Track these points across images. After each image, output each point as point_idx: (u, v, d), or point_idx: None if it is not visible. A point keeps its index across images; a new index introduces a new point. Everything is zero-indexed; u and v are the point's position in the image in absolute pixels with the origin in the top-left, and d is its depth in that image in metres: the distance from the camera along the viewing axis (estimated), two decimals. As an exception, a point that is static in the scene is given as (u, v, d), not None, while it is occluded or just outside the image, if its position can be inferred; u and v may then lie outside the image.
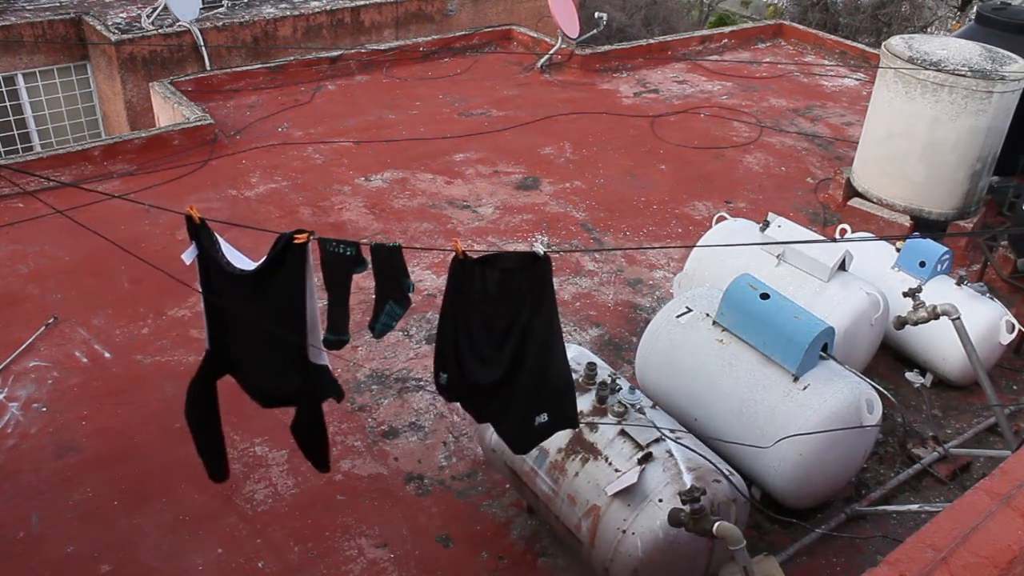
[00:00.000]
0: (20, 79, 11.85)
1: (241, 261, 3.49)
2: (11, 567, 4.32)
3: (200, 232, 3.35)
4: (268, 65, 10.41)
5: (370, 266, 3.34)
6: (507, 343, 3.54)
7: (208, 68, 11.39)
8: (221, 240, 3.43)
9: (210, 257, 3.39)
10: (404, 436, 5.23)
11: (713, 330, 4.77)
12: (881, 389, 4.59)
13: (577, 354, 4.54)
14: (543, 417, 3.68)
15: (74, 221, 4.11)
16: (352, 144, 8.95)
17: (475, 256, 3.41)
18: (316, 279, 3.33)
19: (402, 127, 9.41)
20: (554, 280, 7.09)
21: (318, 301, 3.39)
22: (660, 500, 3.79)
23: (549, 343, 3.57)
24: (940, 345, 5.59)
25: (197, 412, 3.73)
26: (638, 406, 4.15)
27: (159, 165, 8.19)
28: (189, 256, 3.38)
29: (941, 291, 5.60)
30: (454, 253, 3.40)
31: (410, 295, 3.45)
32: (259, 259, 3.38)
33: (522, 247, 7.27)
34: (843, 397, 4.38)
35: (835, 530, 4.66)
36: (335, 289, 3.38)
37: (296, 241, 3.21)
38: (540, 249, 3.37)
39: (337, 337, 3.46)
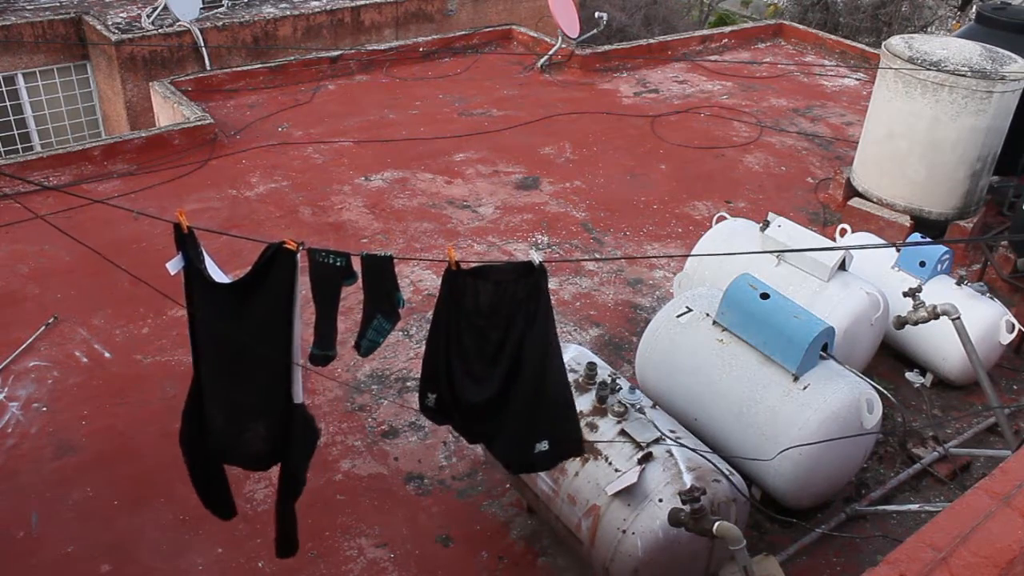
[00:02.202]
0: (20, 79, 11.85)
1: (222, 278, 3.35)
2: (11, 567, 4.32)
3: (187, 242, 3.21)
4: (268, 65, 10.41)
5: (359, 277, 3.21)
6: (501, 358, 3.43)
7: (208, 68, 11.39)
8: (205, 253, 3.30)
9: (195, 269, 3.25)
10: (404, 436, 5.23)
11: (713, 330, 4.77)
12: (881, 389, 4.59)
13: (577, 354, 4.54)
14: (543, 445, 3.55)
15: (51, 224, 4.04)
16: (352, 144, 8.95)
17: (471, 264, 3.33)
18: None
19: (402, 127, 9.41)
20: (554, 280, 7.10)
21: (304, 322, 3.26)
22: (660, 500, 3.79)
23: (545, 360, 3.45)
24: (940, 345, 5.59)
25: (193, 445, 3.57)
26: (638, 406, 4.15)
27: (159, 165, 8.19)
28: (175, 266, 3.23)
29: (941, 291, 5.60)
30: (447, 264, 3.29)
31: (400, 310, 3.31)
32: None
33: (522, 247, 7.27)
34: (843, 397, 4.38)
35: (835, 530, 4.66)
36: (324, 302, 3.25)
37: (286, 246, 3.10)
38: (536, 258, 3.28)
39: (323, 352, 3.31)
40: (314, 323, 3.28)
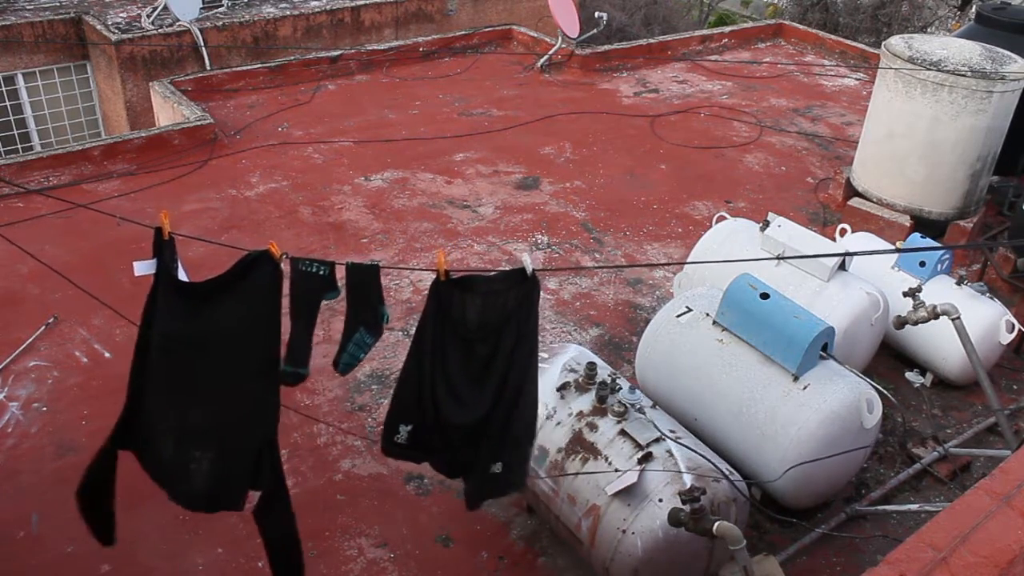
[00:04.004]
0: (20, 79, 11.85)
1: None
2: (11, 567, 4.32)
3: (165, 247, 3.02)
4: (268, 65, 10.40)
5: (342, 292, 3.05)
6: (487, 377, 3.25)
7: (208, 68, 11.39)
8: (180, 266, 3.13)
9: (167, 276, 3.03)
10: (404, 436, 5.22)
11: (713, 330, 4.77)
12: (881, 389, 4.59)
13: (577, 354, 4.54)
14: (497, 467, 3.35)
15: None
16: (352, 144, 8.95)
17: (462, 272, 3.20)
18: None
19: (402, 127, 9.41)
20: (554, 280, 7.07)
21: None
22: (660, 500, 3.79)
23: (525, 378, 3.29)
24: (940, 345, 5.59)
25: (92, 493, 3.29)
26: (638, 406, 4.15)
27: (159, 165, 8.19)
28: (145, 269, 3.03)
29: (941, 291, 5.60)
30: (435, 275, 3.11)
31: (384, 325, 3.15)
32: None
33: (522, 247, 7.27)
34: (843, 397, 4.38)
35: (835, 530, 4.65)
36: (301, 315, 3.05)
37: (270, 251, 2.94)
38: (529, 265, 3.14)
39: (296, 370, 3.11)
40: (288, 338, 3.09)
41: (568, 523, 4.07)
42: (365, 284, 3.08)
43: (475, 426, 3.34)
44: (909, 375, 5.95)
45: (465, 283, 3.20)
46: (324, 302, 3.09)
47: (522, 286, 3.19)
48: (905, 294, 5.08)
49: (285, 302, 3.09)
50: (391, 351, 5.93)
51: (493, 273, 3.26)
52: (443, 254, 3.23)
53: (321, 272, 3.00)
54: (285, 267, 3.03)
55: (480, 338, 3.24)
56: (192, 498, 3.29)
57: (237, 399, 3.12)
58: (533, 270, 3.16)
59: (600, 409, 4.15)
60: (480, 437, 3.36)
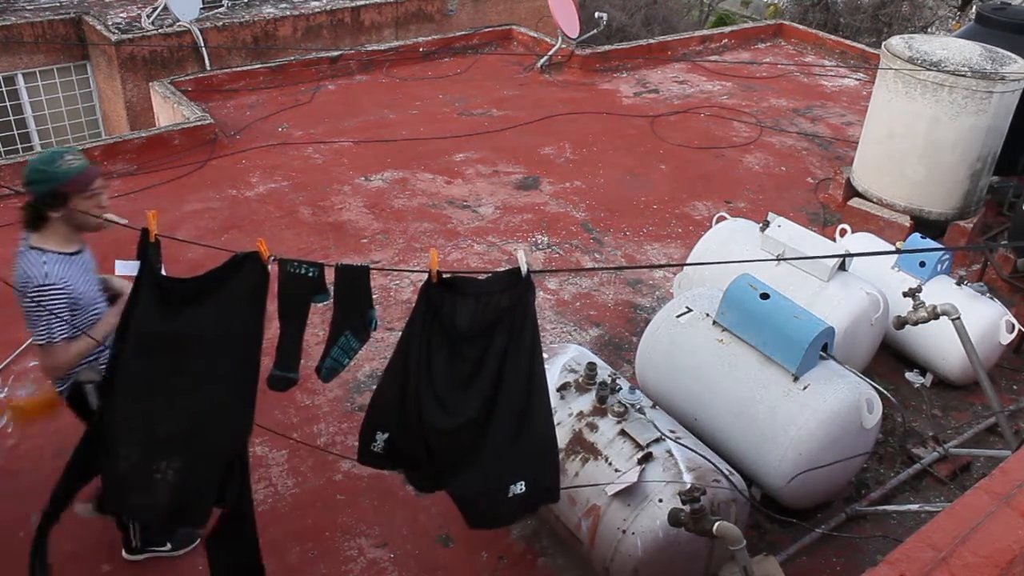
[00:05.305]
0: (20, 79, 11.85)
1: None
2: (11, 567, 4.31)
3: (150, 250, 2.93)
4: (268, 65, 10.41)
5: (332, 295, 2.97)
6: (477, 382, 3.09)
7: (208, 68, 11.39)
8: (163, 269, 3.04)
9: (150, 278, 2.93)
10: (404, 436, 5.21)
11: (713, 330, 4.77)
12: (881, 389, 4.59)
13: (577, 354, 4.54)
14: (519, 487, 3.12)
15: None
16: (352, 144, 8.95)
17: (456, 273, 3.09)
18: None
19: (402, 127, 9.41)
20: (554, 280, 7.06)
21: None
22: (660, 500, 3.79)
23: (530, 384, 3.10)
24: (940, 345, 5.59)
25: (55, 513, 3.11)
26: (638, 406, 4.15)
27: (159, 165, 8.19)
28: (126, 269, 2.92)
29: (941, 291, 5.60)
30: (428, 276, 3.00)
31: (371, 330, 3.06)
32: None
33: (522, 247, 7.26)
34: (843, 397, 4.38)
35: (835, 530, 4.65)
36: (291, 318, 2.96)
37: (259, 250, 2.85)
38: (524, 265, 3.02)
39: (285, 374, 3.03)
40: (277, 342, 3.02)
41: (568, 523, 4.07)
42: (355, 287, 3.00)
43: (463, 433, 3.18)
44: (909, 375, 5.95)
45: (457, 286, 3.09)
46: (318, 305, 3.03)
47: (516, 287, 3.07)
48: (905, 294, 5.08)
49: (274, 305, 3.03)
50: (391, 351, 5.91)
51: (487, 275, 3.16)
52: (435, 254, 3.10)
53: (310, 274, 2.91)
54: (273, 268, 2.97)
55: (468, 340, 3.12)
56: (151, 511, 3.11)
57: (213, 404, 3.01)
58: (528, 270, 3.06)
59: (600, 409, 4.15)
60: (471, 445, 3.18)
